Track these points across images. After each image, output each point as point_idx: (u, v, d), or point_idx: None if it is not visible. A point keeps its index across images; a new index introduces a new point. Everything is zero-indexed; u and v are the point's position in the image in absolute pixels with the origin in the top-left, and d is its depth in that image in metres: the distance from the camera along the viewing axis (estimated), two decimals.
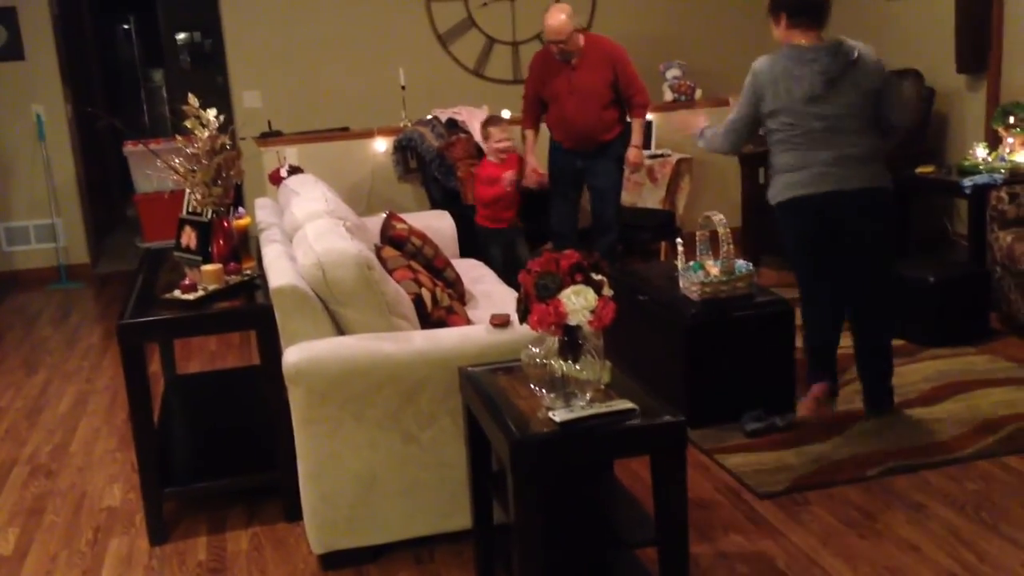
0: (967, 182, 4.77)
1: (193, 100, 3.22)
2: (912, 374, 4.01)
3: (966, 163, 5.01)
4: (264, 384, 3.02)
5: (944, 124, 5.87)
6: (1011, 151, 4.96)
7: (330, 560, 2.82)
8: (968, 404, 3.67)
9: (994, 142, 5.13)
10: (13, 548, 3.09)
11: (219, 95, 7.10)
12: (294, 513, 3.01)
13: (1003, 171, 4.78)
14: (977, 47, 5.45)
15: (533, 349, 2.34)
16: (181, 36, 11.40)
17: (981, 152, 5.02)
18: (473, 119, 5.97)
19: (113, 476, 3.59)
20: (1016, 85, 5.28)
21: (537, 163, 5.28)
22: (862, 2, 6.43)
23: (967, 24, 5.44)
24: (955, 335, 4.35)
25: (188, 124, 3.23)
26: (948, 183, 5.01)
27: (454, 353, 2.72)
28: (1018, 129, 4.97)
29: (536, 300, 2.28)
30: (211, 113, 3.25)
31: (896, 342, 4.37)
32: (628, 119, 5.10)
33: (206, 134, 3.21)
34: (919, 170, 5.21)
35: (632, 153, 5.05)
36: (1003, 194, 4.51)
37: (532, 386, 2.36)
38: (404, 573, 2.80)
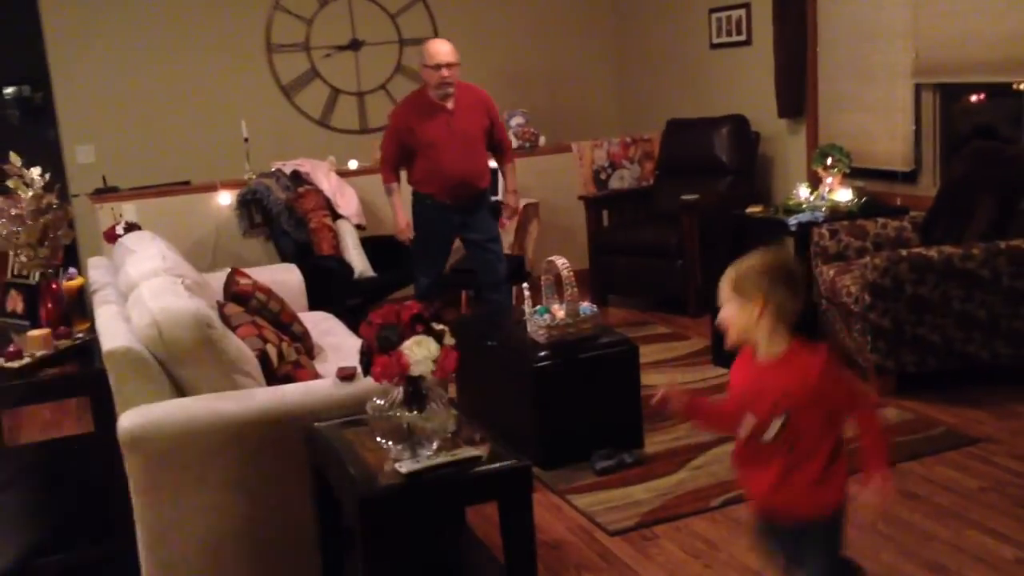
0: (792, 220, 5.05)
1: (15, 159, 3.10)
2: None
3: (790, 202, 5.31)
4: (99, 452, 2.89)
5: (770, 166, 6.22)
6: (830, 190, 5.29)
7: None
8: None
9: (815, 182, 5.47)
10: None
11: (51, 150, 6.81)
12: None
13: (823, 209, 5.09)
14: (795, 93, 5.83)
15: (378, 401, 2.34)
16: (9, 90, 10.87)
17: (804, 192, 5.33)
18: (317, 171, 5.94)
19: None
20: (832, 128, 5.67)
21: (407, 218, 4.93)
22: (687, 51, 6.77)
23: (786, 71, 5.81)
24: None
25: (11, 184, 3.10)
26: (775, 222, 5.28)
27: (299, 408, 2.68)
28: (835, 169, 5.32)
29: (378, 352, 2.29)
30: (35, 171, 3.13)
31: None
32: (498, 165, 5.09)
33: (30, 193, 3.08)
34: (749, 210, 5.48)
35: (512, 199, 5.07)
36: (824, 231, 4.81)
37: (379, 438, 2.35)
38: None
